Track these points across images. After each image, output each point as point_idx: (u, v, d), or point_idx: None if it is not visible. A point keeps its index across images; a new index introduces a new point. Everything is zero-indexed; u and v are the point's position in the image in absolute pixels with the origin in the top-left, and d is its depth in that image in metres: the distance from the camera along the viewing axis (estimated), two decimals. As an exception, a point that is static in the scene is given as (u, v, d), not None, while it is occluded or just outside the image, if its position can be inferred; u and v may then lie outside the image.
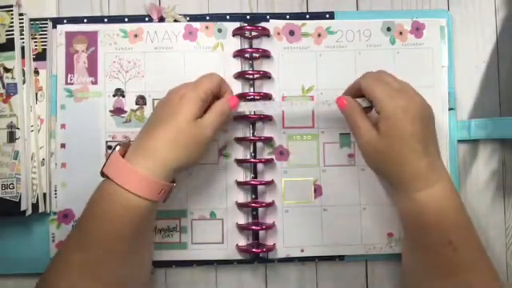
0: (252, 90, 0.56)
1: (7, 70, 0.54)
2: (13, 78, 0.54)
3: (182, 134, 0.46)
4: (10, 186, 0.52)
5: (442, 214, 0.45)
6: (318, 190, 0.56)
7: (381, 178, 0.54)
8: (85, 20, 0.56)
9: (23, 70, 0.54)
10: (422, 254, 0.48)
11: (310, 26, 0.57)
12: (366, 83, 0.48)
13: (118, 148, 0.46)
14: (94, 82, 0.56)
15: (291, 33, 0.56)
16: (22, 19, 0.55)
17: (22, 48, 0.54)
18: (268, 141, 0.56)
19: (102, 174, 0.46)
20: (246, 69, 0.56)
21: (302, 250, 0.56)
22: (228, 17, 0.57)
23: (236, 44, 0.56)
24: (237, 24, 0.56)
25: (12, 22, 0.54)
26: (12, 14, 0.54)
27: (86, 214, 0.46)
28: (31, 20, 0.56)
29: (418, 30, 0.57)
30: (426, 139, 0.46)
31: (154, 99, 0.56)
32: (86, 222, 0.45)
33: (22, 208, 0.52)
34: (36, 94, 0.55)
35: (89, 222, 0.45)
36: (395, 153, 0.46)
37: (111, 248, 0.45)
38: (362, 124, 0.48)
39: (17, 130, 0.53)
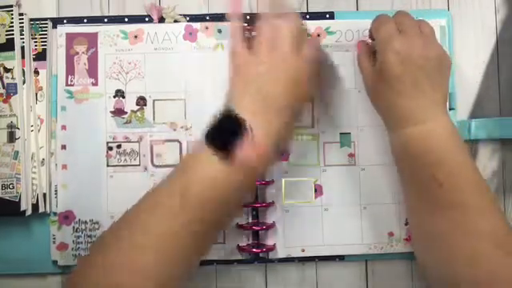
0: (252, 90, 0.56)
1: (7, 70, 0.54)
2: (13, 78, 0.53)
3: None
4: (10, 186, 0.52)
5: (426, 151, 0.46)
6: (318, 190, 0.56)
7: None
8: (85, 20, 0.56)
9: (23, 70, 0.54)
10: (410, 190, 0.49)
11: (310, 26, 0.56)
12: (373, 25, 0.50)
13: None
14: (95, 84, 0.56)
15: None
16: (22, 19, 0.54)
17: (22, 48, 0.54)
18: (268, 141, 0.56)
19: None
20: (246, 69, 0.56)
21: (303, 250, 0.56)
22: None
23: (236, 44, 0.56)
24: (237, 24, 0.56)
25: (12, 22, 0.54)
26: (12, 14, 0.54)
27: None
28: (31, 20, 0.55)
29: (418, 29, 0.57)
30: (416, 82, 0.46)
31: (154, 100, 0.56)
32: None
33: (22, 208, 0.52)
34: (36, 94, 0.55)
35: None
36: (383, 91, 0.48)
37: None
38: (365, 64, 0.51)
39: (17, 129, 0.53)
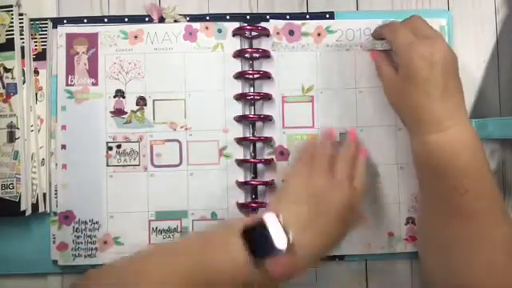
0: (252, 89, 0.56)
1: (7, 70, 0.54)
2: (13, 78, 0.53)
3: None
4: (10, 186, 0.52)
5: (451, 157, 0.46)
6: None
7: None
8: (85, 20, 0.56)
9: (23, 69, 0.54)
10: (430, 195, 0.49)
11: (310, 25, 0.56)
12: (386, 33, 0.51)
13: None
14: (95, 84, 0.56)
15: (291, 32, 0.56)
16: (22, 19, 0.54)
17: (22, 48, 0.54)
18: (268, 141, 0.56)
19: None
20: (246, 69, 0.56)
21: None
22: (228, 17, 0.57)
23: (236, 44, 0.56)
24: (237, 24, 0.56)
25: (12, 22, 0.54)
26: (12, 14, 0.54)
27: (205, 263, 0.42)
28: (31, 20, 0.55)
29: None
30: (444, 85, 0.46)
31: (154, 100, 0.56)
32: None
33: (22, 208, 0.52)
34: (36, 93, 0.55)
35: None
36: (409, 96, 0.48)
37: None
38: (385, 68, 0.52)
39: (17, 129, 0.53)
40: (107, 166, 0.55)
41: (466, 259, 0.45)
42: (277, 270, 0.41)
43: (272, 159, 0.56)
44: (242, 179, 0.56)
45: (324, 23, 0.57)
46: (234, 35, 0.56)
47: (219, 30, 0.56)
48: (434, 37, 0.48)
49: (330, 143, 0.51)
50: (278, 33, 0.56)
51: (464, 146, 0.46)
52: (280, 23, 0.56)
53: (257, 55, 0.56)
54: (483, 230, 0.45)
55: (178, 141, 0.56)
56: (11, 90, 0.53)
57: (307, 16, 0.57)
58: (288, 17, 0.57)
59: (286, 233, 0.42)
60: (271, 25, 0.56)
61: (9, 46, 0.54)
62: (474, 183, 0.45)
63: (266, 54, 0.56)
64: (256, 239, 0.42)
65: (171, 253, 0.44)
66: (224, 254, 0.42)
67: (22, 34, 0.54)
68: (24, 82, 0.54)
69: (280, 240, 0.42)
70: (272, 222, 0.42)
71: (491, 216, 0.46)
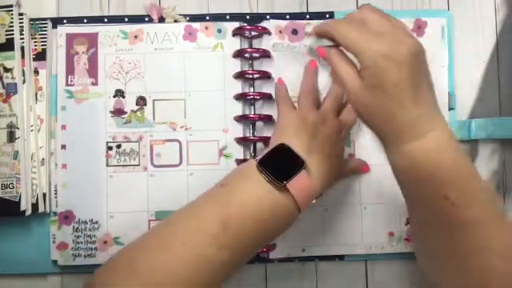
0: (252, 89, 0.56)
1: (7, 70, 0.54)
2: (13, 77, 0.53)
3: None
4: (10, 186, 0.52)
5: (434, 166, 0.41)
6: (318, 190, 0.56)
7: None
8: (85, 20, 0.56)
9: (23, 69, 0.54)
10: (418, 208, 0.45)
11: (312, 25, 0.56)
12: (335, 31, 0.43)
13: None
14: (95, 83, 0.56)
15: (294, 32, 0.56)
16: (22, 19, 0.54)
17: (22, 48, 0.54)
18: (268, 141, 0.55)
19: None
20: (246, 69, 0.56)
21: (303, 250, 0.56)
22: (228, 17, 0.57)
23: (236, 44, 0.56)
24: (236, 24, 0.56)
25: (12, 22, 0.54)
26: (12, 14, 0.54)
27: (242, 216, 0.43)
28: (31, 20, 0.55)
29: (419, 28, 0.57)
30: (416, 87, 0.41)
31: (154, 100, 0.56)
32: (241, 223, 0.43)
33: (22, 208, 0.52)
34: (36, 93, 0.55)
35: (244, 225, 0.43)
36: (379, 105, 0.41)
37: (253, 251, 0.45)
38: (344, 71, 0.43)
39: (17, 129, 0.53)
40: (107, 165, 0.55)
41: (463, 268, 0.43)
42: (299, 190, 0.44)
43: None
44: (242, 179, 0.56)
45: (324, 23, 0.57)
46: (233, 35, 0.56)
47: (219, 30, 0.56)
48: (394, 29, 0.41)
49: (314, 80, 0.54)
50: (280, 31, 0.56)
51: (446, 153, 0.41)
52: (280, 23, 0.56)
53: (257, 55, 0.56)
54: (478, 238, 0.41)
55: (177, 141, 0.56)
56: (11, 89, 0.53)
57: (307, 16, 0.57)
58: (288, 17, 0.57)
59: (299, 154, 0.46)
60: (271, 24, 0.56)
61: (9, 45, 0.54)
62: (461, 193, 0.41)
63: (265, 54, 0.56)
64: (273, 166, 0.44)
65: (195, 208, 0.45)
66: (247, 191, 0.44)
67: (21, 34, 0.54)
68: (24, 82, 0.54)
69: (295, 161, 0.45)
70: (284, 149, 0.46)
71: (485, 222, 0.42)
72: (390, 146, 0.43)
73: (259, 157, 0.46)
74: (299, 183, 0.44)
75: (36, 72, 0.55)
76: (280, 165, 0.45)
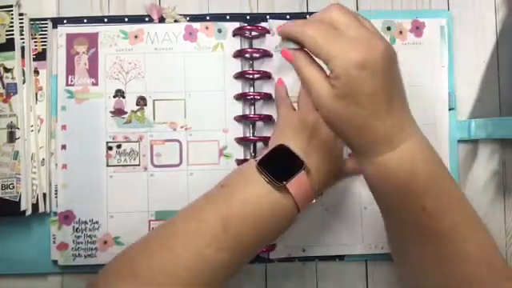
0: (252, 89, 0.56)
1: (7, 70, 0.54)
2: (13, 77, 0.54)
3: None
4: (10, 186, 0.52)
5: (408, 177, 0.40)
6: (318, 190, 0.56)
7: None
8: (85, 20, 0.56)
9: (23, 69, 0.54)
10: (394, 220, 0.44)
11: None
12: (304, 37, 0.40)
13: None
14: (95, 83, 0.55)
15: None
16: (22, 19, 0.54)
17: (22, 48, 0.54)
18: (268, 141, 0.55)
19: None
20: (246, 69, 0.56)
21: (304, 250, 0.56)
22: (228, 17, 0.57)
23: (236, 44, 0.56)
24: (237, 24, 0.56)
25: (12, 22, 0.54)
26: (12, 14, 0.54)
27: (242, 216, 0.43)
28: (31, 20, 0.55)
29: (417, 28, 0.57)
30: (390, 96, 0.39)
31: (154, 100, 0.56)
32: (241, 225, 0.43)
33: (22, 208, 0.52)
34: (36, 93, 0.55)
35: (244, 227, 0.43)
36: (351, 115, 0.39)
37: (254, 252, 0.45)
38: (312, 78, 0.41)
39: (17, 129, 0.53)
40: (107, 165, 0.55)
41: (443, 278, 0.42)
42: (299, 190, 0.44)
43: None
44: (242, 179, 0.56)
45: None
46: (234, 35, 0.56)
47: (219, 30, 0.56)
48: (366, 33, 0.39)
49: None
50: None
51: (421, 163, 0.40)
52: (280, 23, 0.56)
53: (257, 55, 0.56)
54: (457, 246, 0.40)
55: (178, 141, 0.56)
56: (11, 90, 0.53)
57: (307, 16, 0.57)
58: (288, 17, 0.57)
59: (298, 155, 0.45)
60: (271, 25, 0.56)
61: (9, 46, 0.54)
62: (437, 203, 0.40)
63: (266, 54, 0.56)
64: (272, 167, 0.44)
65: (195, 209, 0.45)
66: (247, 192, 0.44)
67: (22, 34, 0.54)
68: (24, 82, 0.54)
69: (295, 161, 0.45)
70: (283, 150, 0.46)
71: (463, 231, 0.41)
72: (363, 156, 0.41)
73: (259, 157, 0.46)
74: (298, 184, 0.44)
75: (36, 72, 0.55)
76: (279, 165, 0.44)
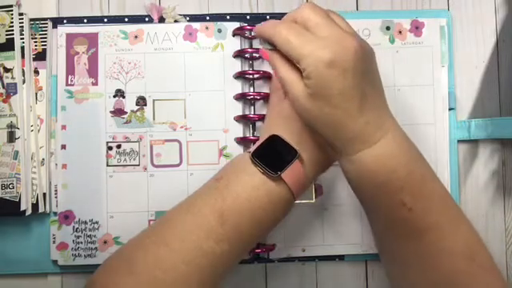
0: (252, 89, 0.56)
1: (7, 70, 0.54)
2: (13, 77, 0.53)
3: None
4: (10, 186, 0.52)
5: (387, 174, 0.40)
6: (318, 190, 0.56)
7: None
8: (85, 20, 0.56)
9: (23, 69, 0.54)
10: (377, 218, 0.45)
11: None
12: (276, 37, 0.41)
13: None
14: (95, 83, 0.55)
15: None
16: (22, 19, 0.54)
17: (22, 48, 0.54)
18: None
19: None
20: (246, 69, 0.56)
21: (304, 250, 0.56)
22: (228, 17, 0.57)
23: (236, 44, 0.56)
24: (237, 24, 0.56)
25: (12, 22, 0.54)
26: (12, 14, 0.54)
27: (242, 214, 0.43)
28: (31, 20, 0.55)
29: (417, 28, 0.57)
30: (363, 94, 0.39)
31: (154, 100, 0.56)
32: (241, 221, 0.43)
33: (22, 208, 0.52)
34: (36, 93, 0.55)
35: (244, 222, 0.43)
36: (325, 114, 0.40)
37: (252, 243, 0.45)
38: (287, 78, 0.42)
39: (17, 129, 0.53)
40: (107, 165, 0.55)
41: (427, 272, 0.42)
42: (293, 179, 0.43)
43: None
44: (242, 179, 0.56)
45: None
46: (234, 35, 0.56)
47: (219, 30, 0.56)
48: (337, 32, 0.39)
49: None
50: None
51: (397, 157, 0.41)
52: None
53: (257, 55, 0.56)
54: (439, 241, 0.41)
55: (178, 141, 0.56)
56: (11, 90, 0.53)
57: (307, 16, 0.57)
58: (288, 17, 0.57)
59: (292, 144, 0.44)
60: None
61: (9, 45, 0.54)
62: (417, 199, 0.41)
63: (266, 54, 0.56)
64: (266, 158, 0.43)
65: (191, 203, 0.45)
66: (242, 183, 0.43)
67: (22, 34, 0.54)
68: (24, 82, 0.54)
69: (289, 151, 0.43)
70: (276, 139, 0.44)
71: (446, 226, 0.42)
72: (339, 154, 0.43)
73: (252, 149, 0.45)
74: (293, 172, 0.43)
75: (36, 72, 0.55)
76: (273, 155, 0.44)
